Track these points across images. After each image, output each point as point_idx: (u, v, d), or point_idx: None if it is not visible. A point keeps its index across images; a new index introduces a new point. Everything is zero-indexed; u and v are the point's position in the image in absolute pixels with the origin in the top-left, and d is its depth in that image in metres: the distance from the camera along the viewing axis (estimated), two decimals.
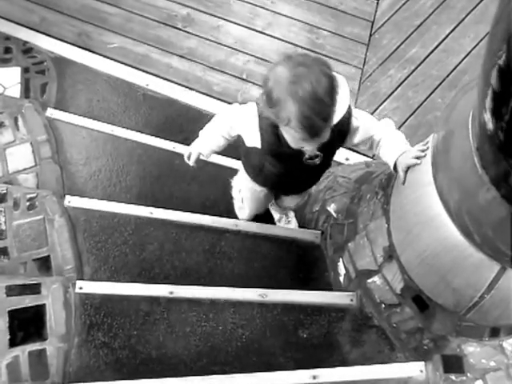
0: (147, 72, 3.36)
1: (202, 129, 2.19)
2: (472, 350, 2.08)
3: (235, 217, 2.78)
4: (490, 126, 1.37)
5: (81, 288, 2.31)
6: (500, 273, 1.87)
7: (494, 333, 2.16)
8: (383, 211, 2.25)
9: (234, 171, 2.79)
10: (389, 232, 2.21)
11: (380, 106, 3.33)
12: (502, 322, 2.07)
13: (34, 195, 2.55)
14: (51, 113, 2.96)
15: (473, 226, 1.75)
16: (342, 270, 2.44)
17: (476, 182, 1.60)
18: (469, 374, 2.06)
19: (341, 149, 3.16)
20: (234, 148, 3.08)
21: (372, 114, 3.30)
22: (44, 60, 3.21)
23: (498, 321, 2.06)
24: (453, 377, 2.04)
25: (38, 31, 3.40)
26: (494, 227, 1.66)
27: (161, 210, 2.67)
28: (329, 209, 2.69)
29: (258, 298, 2.37)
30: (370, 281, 2.26)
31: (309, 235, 2.74)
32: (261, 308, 2.41)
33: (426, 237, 1.96)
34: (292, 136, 1.59)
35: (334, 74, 1.52)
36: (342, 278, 2.42)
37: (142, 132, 3.05)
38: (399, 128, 3.23)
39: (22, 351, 2.08)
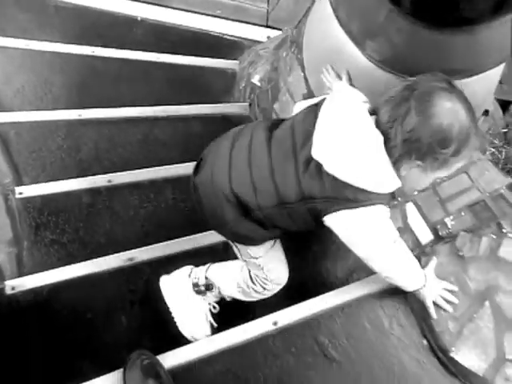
0: None
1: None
2: (404, 173, 2.15)
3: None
4: None
5: (21, 193, 2.34)
6: None
7: None
8: (298, 61, 2.28)
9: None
10: (305, 79, 2.25)
11: None
12: None
13: None
14: None
15: (378, 47, 1.79)
16: None
17: (375, 4, 1.63)
18: (399, 198, 2.14)
19: (262, 29, 3.20)
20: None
21: None
22: None
23: None
24: None
25: None
26: (397, 41, 1.71)
27: (88, 110, 2.67)
28: (253, 81, 2.72)
29: None
30: None
31: (238, 108, 2.77)
32: None
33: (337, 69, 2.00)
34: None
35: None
36: None
37: None
38: None
39: None
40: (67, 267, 2.10)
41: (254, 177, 1.49)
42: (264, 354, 1.85)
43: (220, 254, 2.14)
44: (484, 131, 2.67)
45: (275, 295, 1.95)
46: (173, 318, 1.98)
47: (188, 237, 2.16)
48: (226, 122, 2.74)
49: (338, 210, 1.39)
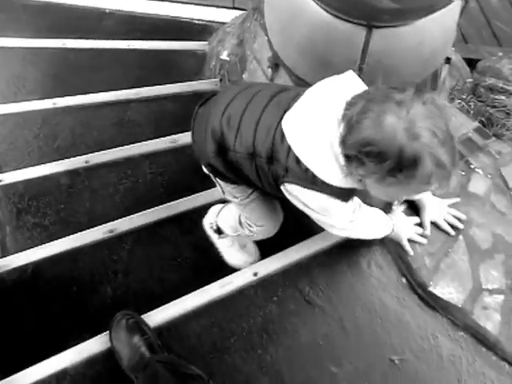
0: None
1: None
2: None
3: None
4: None
5: (0, 180, 2.35)
6: (368, 36, 1.97)
7: None
8: (261, 26, 2.33)
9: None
10: (269, 42, 2.30)
11: None
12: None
13: None
14: None
15: None
16: None
17: None
18: None
19: (229, 11, 3.25)
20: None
21: None
22: None
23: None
24: None
25: None
26: None
27: (63, 98, 2.70)
28: (222, 57, 2.77)
29: (170, 145, 2.46)
30: None
31: (208, 85, 2.82)
32: (174, 153, 2.50)
33: (298, 27, 2.06)
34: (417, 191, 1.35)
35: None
36: None
37: None
38: None
39: None
40: (49, 244, 2.11)
41: (243, 120, 1.48)
42: (247, 304, 1.88)
43: (200, 217, 2.16)
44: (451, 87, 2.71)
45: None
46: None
47: (166, 204, 2.17)
48: (198, 99, 2.75)
49: (293, 182, 1.38)
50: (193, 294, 1.89)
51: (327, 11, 1.91)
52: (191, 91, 2.76)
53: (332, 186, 1.31)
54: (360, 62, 2.01)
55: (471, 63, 2.92)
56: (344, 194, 1.36)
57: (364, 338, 1.83)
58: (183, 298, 1.88)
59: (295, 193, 1.41)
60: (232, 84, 1.73)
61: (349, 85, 1.35)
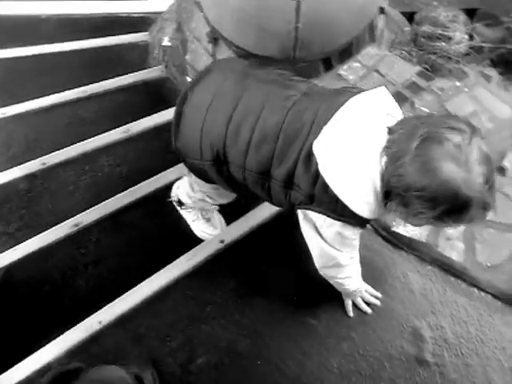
0: None
1: None
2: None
3: None
4: None
5: None
6: None
7: (327, 65, 2.33)
8: (196, 5, 2.35)
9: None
10: (206, 18, 2.32)
11: None
12: (327, 49, 2.23)
13: None
14: None
15: None
16: None
17: None
18: None
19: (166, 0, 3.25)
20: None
21: None
22: None
23: (323, 49, 2.22)
24: None
25: None
26: None
27: (11, 106, 2.68)
28: (163, 43, 2.78)
29: (124, 135, 2.46)
30: None
31: (154, 72, 2.84)
32: (129, 142, 2.50)
33: None
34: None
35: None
36: None
37: None
38: None
39: None
40: (15, 248, 2.09)
41: (254, 135, 1.37)
42: (218, 272, 1.91)
43: (162, 198, 2.18)
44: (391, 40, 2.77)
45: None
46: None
47: (126, 191, 2.18)
48: (147, 88, 2.79)
49: (316, 211, 1.33)
50: (162, 270, 1.90)
51: None
52: (138, 81, 2.77)
53: (360, 217, 1.26)
54: (295, 22, 2.03)
55: (407, 16, 2.98)
56: (365, 223, 1.35)
57: None
58: (153, 276, 1.88)
59: (314, 220, 1.37)
60: (227, 64, 1.65)
61: (381, 107, 1.27)
